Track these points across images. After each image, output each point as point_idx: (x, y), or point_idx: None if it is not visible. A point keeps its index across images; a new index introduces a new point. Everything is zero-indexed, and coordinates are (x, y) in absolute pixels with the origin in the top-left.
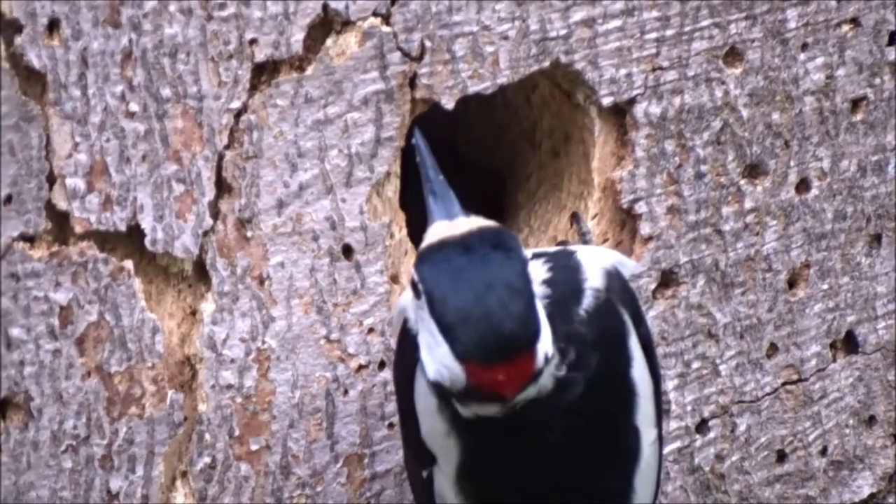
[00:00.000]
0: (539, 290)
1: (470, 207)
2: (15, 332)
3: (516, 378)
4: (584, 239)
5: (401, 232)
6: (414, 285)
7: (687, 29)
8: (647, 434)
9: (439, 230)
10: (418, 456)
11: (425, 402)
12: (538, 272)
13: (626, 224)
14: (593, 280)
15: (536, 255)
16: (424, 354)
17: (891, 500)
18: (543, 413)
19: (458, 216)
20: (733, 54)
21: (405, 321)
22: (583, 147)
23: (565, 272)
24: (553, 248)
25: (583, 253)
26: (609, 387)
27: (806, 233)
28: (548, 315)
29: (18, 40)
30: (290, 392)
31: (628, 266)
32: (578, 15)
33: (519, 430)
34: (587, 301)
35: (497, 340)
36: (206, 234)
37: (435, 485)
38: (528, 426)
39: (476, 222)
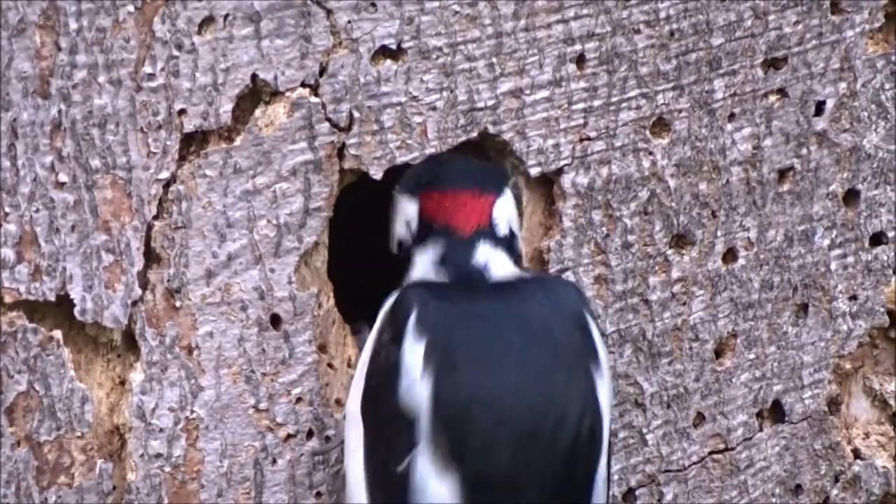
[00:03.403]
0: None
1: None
2: None
3: (468, 210)
4: None
5: (329, 302)
6: None
7: (614, 99)
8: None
9: None
10: (394, 445)
11: (410, 353)
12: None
13: None
14: None
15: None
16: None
17: None
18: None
19: None
20: (660, 124)
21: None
22: None
23: None
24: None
25: None
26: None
27: (733, 302)
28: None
29: None
30: (218, 461)
31: None
32: (506, 86)
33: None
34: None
35: (454, 174)
36: (134, 303)
37: (414, 478)
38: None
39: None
